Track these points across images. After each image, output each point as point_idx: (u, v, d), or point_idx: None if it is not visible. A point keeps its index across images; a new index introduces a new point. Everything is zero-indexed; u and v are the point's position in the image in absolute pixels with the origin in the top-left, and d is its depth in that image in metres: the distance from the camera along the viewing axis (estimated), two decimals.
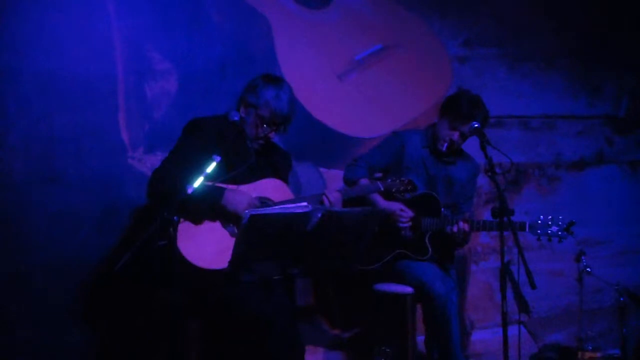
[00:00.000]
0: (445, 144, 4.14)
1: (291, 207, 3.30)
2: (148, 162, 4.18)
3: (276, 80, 3.66)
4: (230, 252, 3.08)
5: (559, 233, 3.97)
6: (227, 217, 3.48)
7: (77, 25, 4.09)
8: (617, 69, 5.42)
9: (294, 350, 3.38)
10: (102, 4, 4.17)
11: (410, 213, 4.09)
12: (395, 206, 4.09)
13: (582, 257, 4.54)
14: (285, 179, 3.79)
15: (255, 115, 3.60)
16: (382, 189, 3.88)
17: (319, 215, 3.07)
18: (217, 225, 3.49)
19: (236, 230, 3.46)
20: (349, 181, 4.24)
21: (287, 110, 3.60)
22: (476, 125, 3.68)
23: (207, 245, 3.41)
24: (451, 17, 5.03)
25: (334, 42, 4.73)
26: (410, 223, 4.10)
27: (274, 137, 3.67)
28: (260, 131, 3.61)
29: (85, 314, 4.07)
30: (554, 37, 5.27)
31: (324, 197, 3.60)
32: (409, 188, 3.90)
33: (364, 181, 4.16)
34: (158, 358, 3.99)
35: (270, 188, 3.63)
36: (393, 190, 3.89)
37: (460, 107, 4.07)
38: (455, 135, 4.12)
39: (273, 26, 4.54)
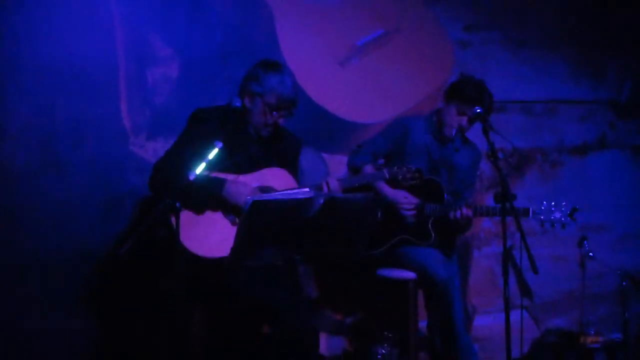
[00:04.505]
0: (454, 130, 4.13)
1: (293, 193, 3.30)
2: (150, 149, 4.18)
3: (277, 66, 3.64)
4: (230, 241, 3.08)
5: (562, 219, 3.97)
6: (228, 208, 3.48)
7: (77, 12, 4.08)
8: (620, 54, 5.40)
9: (306, 333, 3.38)
10: None
11: (413, 200, 4.09)
12: (399, 194, 4.08)
13: (585, 242, 4.54)
14: (291, 167, 3.75)
15: (263, 103, 3.58)
16: (388, 177, 3.85)
17: (321, 201, 3.07)
18: (218, 214, 3.49)
19: (237, 220, 3.46)
20: (352, 167, 4.24)
21: (293, 94, 3.59)
22: (478, 110, 3.68)
23: (207, 234, 3.41)
24: (453, 2, 5.00)
25: (335, 27, 4.71)
26: (414, 211, 4.09)
27: (282, 122, 3.65)
28: (269, 118, 3.59)
29: (88, 302, 4.08)
30: (556, 22, 5.25)
31: (324, 185, 3.59)
32: (416, 176, 3.87)
33: (368, 168, 4.16)
34: (162, 345, 4.00)
35: (273, 177, 3.61)
36: (399, 178, 3.85)
37: (467, 92, 4.06)
38: (464, 121, 4.11)
39: (274, 12, 4.53)
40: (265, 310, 3.37)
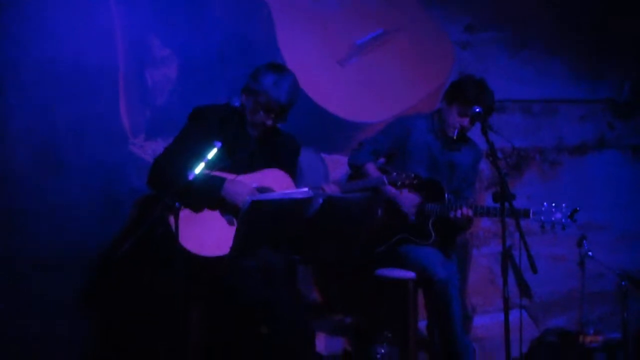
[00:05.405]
0: (456, 131, 4.13)
1: (292, 193, 3.30)
2: (149, 149, 4.18)
3: (279, 68, 3.63)
4: (227, 240, 3.08)
5: (563, 221, 3.96)
6: (227, 208, 3.48)
7: (77, 13, 4.08)
8: (619, 54, 5.40)
9: (302, 334, 3.39)
10: None
11: (416, 199, 4.09)
12: (403, 192, 4.08)
13: (584, 242, 4.54)
14: (289, 168, 3.74)
15: (254, 101, 3.57)
16: (387, 182, 3.87)
17: (320, 201, 3.07)
18: (216, 214, 3.49)
19: (234, 220, 3.46)
20: (353, 166, 4.24)
21: (284, 99, 3.54)
22: (477, 110, 3.67)
23: (204, 234, 3.41)
24: (453, 2, 5.01)
25: (334, 27, 4.71)
26: (414, 210, 4.10)
27: (270, 124, 3.61)
28: (257, 118, 3.58)
29: (87, 302, 4.08)
30: (556, 23, 5.25)
31: (321, 191, 3.59)
32: (414, 182, 3.88)
33: (370, 166, 4.15)
34: (159, 345, 4.00)
35: (272, 178, 3.61)
36: (398, 184, 3.88)
37: (468, 92, 4.05)
38: (466, 121, 4.11)
39: (274, 13, 4.53)
40: (262, 310, 3.37)
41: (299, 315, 3.40)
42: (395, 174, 3.91)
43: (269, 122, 3.59)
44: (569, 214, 3.96)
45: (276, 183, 3.60)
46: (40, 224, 4.00)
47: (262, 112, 3.56)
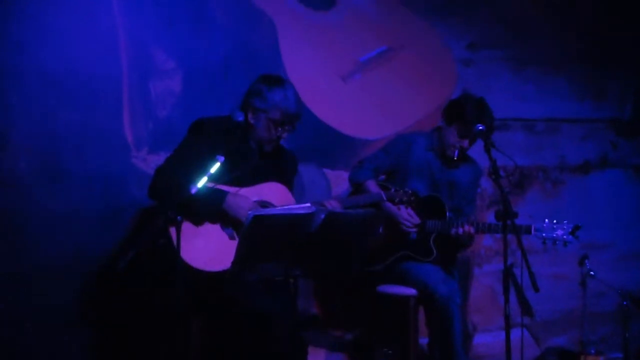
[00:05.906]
0: (456, 151, 4.13)
1: (294, 208, 3.30)
2: (152, 162, 4.17)
3: (280, 81, 3.66)
4: (229, 254, 3.08)
5: (564, 237, 3.95)
6: (228, 221, 3.48)
7: (81, 24, 4.09)
8: (622, 73, 5.41)
9: (296, 348, 3.38)
10: (107, 2, 4.17)
11: (416, 219, 4.08)
12: (403, 211, 4.08)
13: (586, 261, 4.53)
14: (289, 182, 3.78)
15: (266, 119, 3.60)
16: (385, 198, 3.88)
17: (322, 216, 3.06)
18: (217, 227, 3.49)
19: (235, 234, 3.47)
20: (354, 183, 4.24)
21: (296, 109, 3.62)
22: (480, 128, 3.66)
23: (205, 247, 3.42)
24: (456, 20, 5.02)
25: (338, 43, 4.72)
26: (415, 229, 4.10)
27: (286, 136, 3.67)
28: (273, 133, 3.61)
29: (87, 313, 4.07)
30: (558, 40, 5.26)
31: (323, 206, 3.59)
32: (412, 199, 3.90)
33: (371, 183, 4.15)
34: (160, 357, 3.99)
35: (272, 192, 3.63)
36: (396, 200, 3.89)
37: (468, 114, 4.04)
38: (466, 143, 4.11)
39: (278, 27, 4.54)
40: (258, 321, 3.36)
41: (296, 330, 3.40)
42: (393, 190, 3.93)
43: (284, 135, 3.64)
44: (570, 230, 3.96)
45: (276, 197, 3.61)
46: (39, 232, 4.00)
47: (279, 127, 3.60)
